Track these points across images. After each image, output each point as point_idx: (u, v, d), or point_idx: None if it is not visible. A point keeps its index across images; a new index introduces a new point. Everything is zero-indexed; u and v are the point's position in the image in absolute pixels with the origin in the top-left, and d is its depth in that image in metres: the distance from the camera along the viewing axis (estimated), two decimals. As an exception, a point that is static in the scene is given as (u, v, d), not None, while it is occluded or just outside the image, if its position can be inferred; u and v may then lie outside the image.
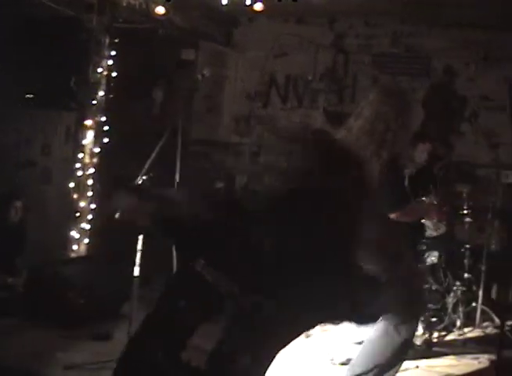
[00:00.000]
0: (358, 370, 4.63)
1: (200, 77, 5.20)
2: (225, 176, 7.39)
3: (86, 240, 7.00)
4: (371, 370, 4.60)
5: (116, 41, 7.28)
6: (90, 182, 6.96)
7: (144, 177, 4.80)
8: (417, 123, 7.38)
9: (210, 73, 5.39)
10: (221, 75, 8.89)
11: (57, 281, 6.21)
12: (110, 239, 6.45)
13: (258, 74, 8.95)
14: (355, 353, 4.81)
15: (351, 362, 4.84)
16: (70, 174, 6.98)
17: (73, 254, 6.99)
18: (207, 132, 8.77)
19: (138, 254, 4.85)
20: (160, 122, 7.08)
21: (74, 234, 6.95)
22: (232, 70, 8.98)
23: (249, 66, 8.96)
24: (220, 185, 7.24)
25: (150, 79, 8.42)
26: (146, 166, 4.82)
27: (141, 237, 4.84)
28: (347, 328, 5.55)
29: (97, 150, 7.05)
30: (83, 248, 7.02)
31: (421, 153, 7.01)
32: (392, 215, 4.51)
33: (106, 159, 7.08)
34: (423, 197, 6.02)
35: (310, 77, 8.87)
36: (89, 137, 7.02)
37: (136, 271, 4.89)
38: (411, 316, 4.65)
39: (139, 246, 4.85)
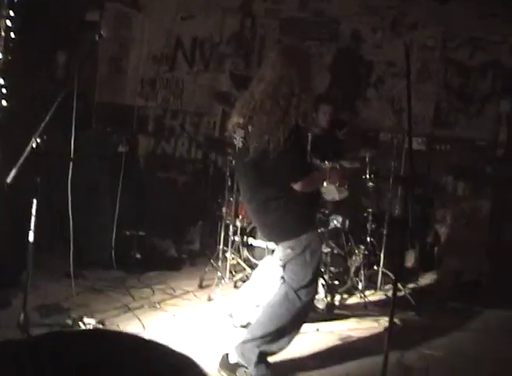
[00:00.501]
0: (258, 333, 4.62)
1: (97, 37, 5.05)
2: (127, 140, 7.26)
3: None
4: (270, 334, 4.61)
5: (15, 1, 7.03)
6: (-12, 146, 6.75)
7: (38, 139, 4.67)
8: (322, 87, 7.42)
9: (108, 33, 5.25)
10: (127, 37, 8.72)
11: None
12: (9, 205, 6.28)
13: (165, 36, 8.81)
14: (255, 316, 4.82)
15: (251, 325, 4.85)
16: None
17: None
18: (112, 95, 8.60)
19: (33, 220, 4.73)
20: (63, 85, 6.90)
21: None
22: (138, 32, 8.81)
23: (155, 28, 8.80)
24: (122, 149, 7.12)
25: (53, 41, 8.19)
26: (40, 128, 4.68)
27: (35, 202, 4.72)
28: (249, 292, 5.56)
29: (-5, 113, 6.83)
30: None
31: (324, 115, 7.05)
32: (295, 186, 4.48)
33: (5, 123, 6.86)
34: (325, 161, 6.05)
35: (217, 41, 8.80)
36: (-13, 100, 6.78)
37: (31, 237, 4.77)
38: (312, 279, 4.66)
39: (34, 211, 4.72)
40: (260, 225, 4.94)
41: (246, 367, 4.62)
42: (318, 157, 5.94)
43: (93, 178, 7.02)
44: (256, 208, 4.67)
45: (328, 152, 6.24)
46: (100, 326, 5.49)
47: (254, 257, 6.75)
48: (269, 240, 5.25)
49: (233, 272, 6.94)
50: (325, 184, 5.48)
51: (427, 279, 7.29)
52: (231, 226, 6.87)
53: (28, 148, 4.70)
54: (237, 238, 6.82)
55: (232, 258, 6.86)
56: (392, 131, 7.29)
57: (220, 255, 6.94)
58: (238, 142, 4.63)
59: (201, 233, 7.98)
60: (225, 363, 4.74)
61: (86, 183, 6.72)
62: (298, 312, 4.65)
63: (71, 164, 5.22)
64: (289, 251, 4.56)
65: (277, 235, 4.68)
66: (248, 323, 5.08)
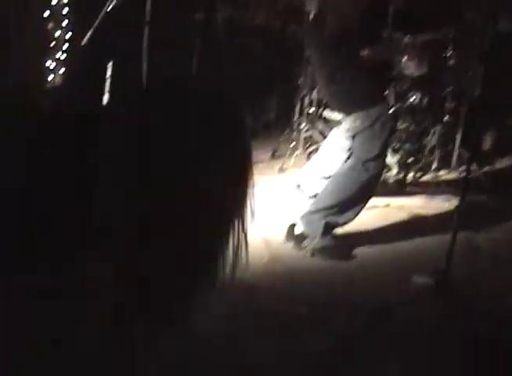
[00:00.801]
0: (324, 204, 4.66)
1: None
2: (205, 5, 7.16)
3: (62, 70, 6.84)
4: (336, 205, 4.63)
5: None
6: (65, 10, 6.73)
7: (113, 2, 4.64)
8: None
9: None
10: None
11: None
12: (84, 68, 6.33)
13: None
14: (323, 186, 4.85)
15: (318, 196, 4.88)
16: (46, 3, 6.72)
17: (48, 85, 6.86)
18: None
19: (108, 82, 4.76)
20: None
21: (50, 64, 6.79)
22: None
23: None
24: (200, 16, 7.04)
25: None
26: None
27: (110, 64, 4.74)
28: (318, 163, 5.58)
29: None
30: (58, 79, 6.87)
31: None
32: (364, 56, 4.40)
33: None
34: (406, 35, 5.89)
35: None
36: (64, -36, 6.71)
37: (105, 100, 4.81)
38: (381, 152, 4.63)
39: (108, 74, 4.75)
40: (330, 96, 4.92)
41: (312, 238, 4.68)
42: (399, 30, 5.79)
43: (169, 42, 6.97)
44: (326, 79, 4.64)
45: (410, 25, 6.06)
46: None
47: (329, 129, 6.70)
48: (339, 112, 5.22)
49: (307, 144, 6.93)
50: (404, 59, 5.36)
51: (502, 163, 7.13)
52: (307, 97, 6.81)
53: (104, 11, 4.69)
54: (313, 110, 6.77)
55: (307, 130, 6.84)
56: (478, 9, 6.97)
57: (295, 127, 6.93)
58: (311, 11, 4.57)
59: (277, 103, 7.95)
60: (291, 234, 4.81)
61: (162, 47, 6.68)
62: (365, 185, 4.64)
63: (146, 27, 5.18)
64: (358, 122, 4.53)
65: (346, 106, 4.64)
66: (316, 195, 5.13)
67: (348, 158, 4.69)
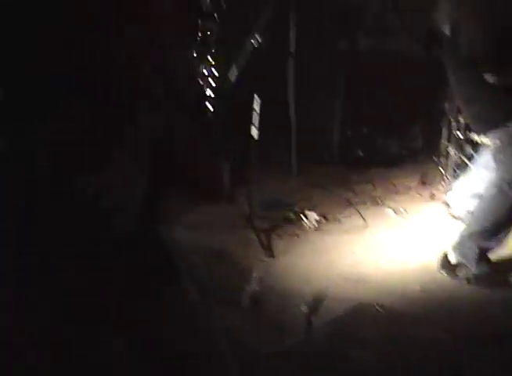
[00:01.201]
0: (475, 229, 4.57)
1: None
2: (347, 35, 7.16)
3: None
4: (486, 230, 4.52)
5: None
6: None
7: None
8: None
9: None
10: None
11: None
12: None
13: None
14: (471, 209, 4.76)
15: (467, 223, 4.79)
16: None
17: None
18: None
19: (256, 116, 4.78)
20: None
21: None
22: None
23: None
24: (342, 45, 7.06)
25: None
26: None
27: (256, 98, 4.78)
28: (466, 182, 5.49)
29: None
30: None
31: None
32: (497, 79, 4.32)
33: None
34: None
35: None
36: None
37: (255, 133, 4.84)
38: None
39: (256, 106, 4.77)
40: (468, 117, 4.89)
41: (467, 266, 4.60)
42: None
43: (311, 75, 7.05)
44: (463, 100, 4.61)
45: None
46: (322, 220, 5.65)
47: (477, 153, 6.55)
48: (479, 132, 5.12)
49: (456, 170, 6.79)
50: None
51: None
52: (453, 122, 6.68)
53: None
54: (460, 134, 6.63)
55: (455, 155, 6.70)
56: None
57: (442, 152, 6.81)
58: (445, 32, 4.57)
59: (422, 129, 7.83)
60: (444, 263, 4.73)
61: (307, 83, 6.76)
62: None
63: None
64: (497, 141, 4.44)
65: (483, 126, 4.58)
66: (466, 213, 5.04)
67: (493, 179, 4.59)
